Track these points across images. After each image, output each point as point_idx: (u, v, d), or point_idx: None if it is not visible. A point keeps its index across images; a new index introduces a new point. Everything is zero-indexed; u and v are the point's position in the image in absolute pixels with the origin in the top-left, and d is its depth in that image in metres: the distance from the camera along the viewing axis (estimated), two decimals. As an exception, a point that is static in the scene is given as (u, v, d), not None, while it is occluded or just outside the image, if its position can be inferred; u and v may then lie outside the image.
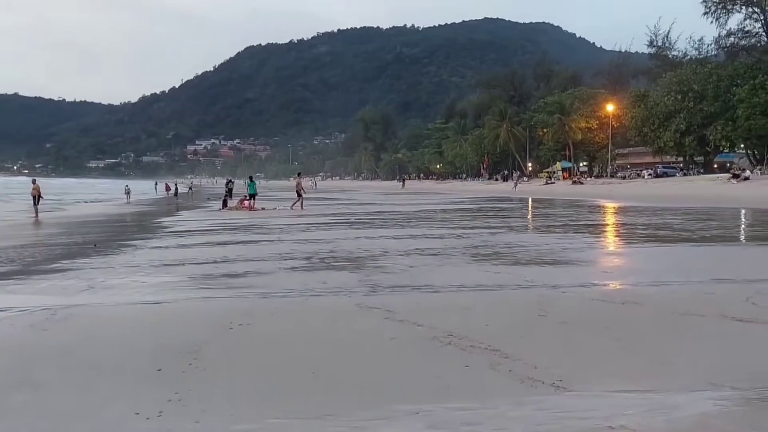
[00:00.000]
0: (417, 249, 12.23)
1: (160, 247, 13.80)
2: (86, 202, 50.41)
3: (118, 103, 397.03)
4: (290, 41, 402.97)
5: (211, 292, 7.82)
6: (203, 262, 10.90)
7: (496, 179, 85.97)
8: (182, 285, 8.52)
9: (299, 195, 30.91)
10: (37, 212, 28.86)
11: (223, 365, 4.74)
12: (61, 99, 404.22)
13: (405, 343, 5.28)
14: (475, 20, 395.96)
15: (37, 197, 29.55)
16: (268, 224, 20.33)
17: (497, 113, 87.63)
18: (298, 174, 38.77)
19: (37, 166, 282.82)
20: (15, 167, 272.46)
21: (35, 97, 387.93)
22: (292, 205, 30.51)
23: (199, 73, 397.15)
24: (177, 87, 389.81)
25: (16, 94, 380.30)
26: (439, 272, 9.31)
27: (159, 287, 8.32)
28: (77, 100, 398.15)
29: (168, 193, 59.73)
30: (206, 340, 5.40)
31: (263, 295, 7.55)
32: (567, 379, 4.31)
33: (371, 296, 7.37)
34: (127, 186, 52.83)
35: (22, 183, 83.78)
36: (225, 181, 51.33)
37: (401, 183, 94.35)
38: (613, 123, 64.33)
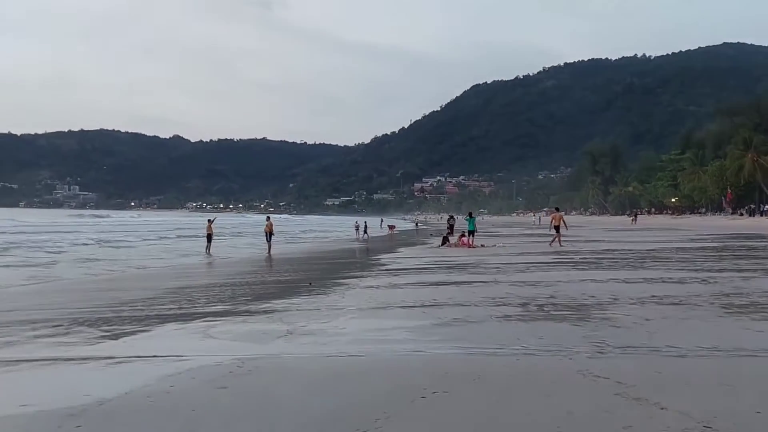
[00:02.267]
0: (653, 296, 10.43)
1: (372, 287, 13.44)
2: (316, 238, 53.51)
3: (353, 144, 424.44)
4: (516, 77, 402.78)
5: (411, 345, 6.99)
6: (411, 305, 10.21)
7: (741, 214, 77.32)
8: (381, 334, 7.87)
9: (557, 230, 28.87)
10: (269, 248, 30.74)
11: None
12: (302, 142, 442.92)
13: (644, 438, 3.94)
14: (714, 45, 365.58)
15: (269, 233, 31.46)
16: (485, 263, 19.31)
17: (741, 142, 79.64)
18: (556, 209, 35.24)
19: (281, 204, 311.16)
20: (262, 205, 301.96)
21: (280, 140, 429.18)
22: (551, 242, 28.74)
23: (427, 113, 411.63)
24: (406, 127, 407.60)
25: (264, 138, 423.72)
26: (683, 328, 7.63)
27: (356, 335, 7.80)
28: (317, 142, 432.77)
29: (391, 231, 61.33)
30: (388, 414, 4.49)
31: (468, 352, 6.54)
32: None
33: (597, 359, 6.02)
34: (357, 222, 54.43)
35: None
36: (447, 217, 51.28)
37: (632, 218, 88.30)
38: None
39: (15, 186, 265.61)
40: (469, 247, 28.79)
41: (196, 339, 7.90)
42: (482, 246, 29.03)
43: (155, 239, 47.19)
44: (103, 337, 8.36)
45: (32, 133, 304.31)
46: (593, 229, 59.60)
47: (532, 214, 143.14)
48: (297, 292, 12.71)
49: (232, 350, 7.05)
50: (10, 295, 15.19)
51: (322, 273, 18.10)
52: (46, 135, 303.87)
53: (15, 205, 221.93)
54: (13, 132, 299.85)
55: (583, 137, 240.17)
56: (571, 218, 55.94)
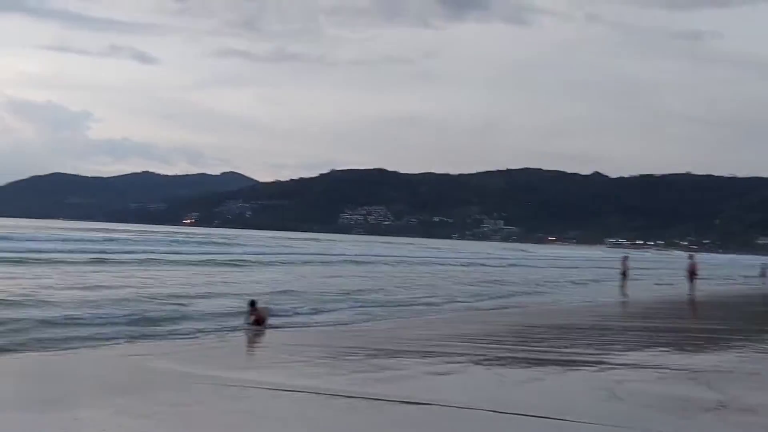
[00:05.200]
0: None
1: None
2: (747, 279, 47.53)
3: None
4: None
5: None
6: None
7: None
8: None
9: None
10: (692, 289, 28.25)
11: None
12: (731, 176, 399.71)
13: None
14: None
15: (691, 273, 28.91)
16: None
17: None
18: None
19: (704, 242, 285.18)
20: (683, 243, 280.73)
21: (705, 174, 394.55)
22: None
23: None
24: None
25: (687, 173, 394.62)
26: None
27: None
28: (747, 175, 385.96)
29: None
30: None
31: None
32: None
33: None
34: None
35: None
36: None
37: None
38: None
39: (450, 220, 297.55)
40: None
41: (598, 397, 7.51)
42: None
43: (575, 275, 47.29)
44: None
45: (465, 172, 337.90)
46: None
47: None
48: (727, 346, 11.34)
49: (641, 421, 6.19)
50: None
51: (759, 323, 15.87)
52: (476, 174, 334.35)
53: (449, 236, 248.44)
54: (450, 172, 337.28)
55: None
56: None
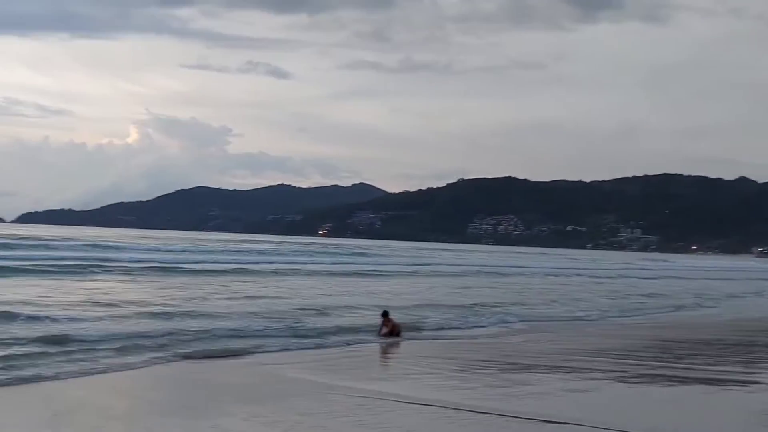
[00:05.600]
0: None
1: None
2: None
3: None
4: None
5: None
6: None
7: None
8: None
9: None
10: None
11: None
12: None
13: None
14: None
15: None
16: None
17: None
18: None
19: None
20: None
21: None
22: None
23: None
24: None
25: None
26: None
27: None
28: None
29: None
30: None
31: None
32: None
33: None
34: None
35: None
36: None
37: None
38: None
39: (584, 229, 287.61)
40: None
41: (759, 422, 6.79)
42: None
43: (730, 287, 43.71)
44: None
45: (599, 179, 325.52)
46: None
47: None
48: None
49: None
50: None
51: None
52: (611, 181, 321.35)
53: (583, 246, 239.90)
54: (583, 179, 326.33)
55: None
56: None
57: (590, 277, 48.37)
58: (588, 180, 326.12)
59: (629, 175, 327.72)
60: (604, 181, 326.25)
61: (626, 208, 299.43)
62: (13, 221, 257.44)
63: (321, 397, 8.75)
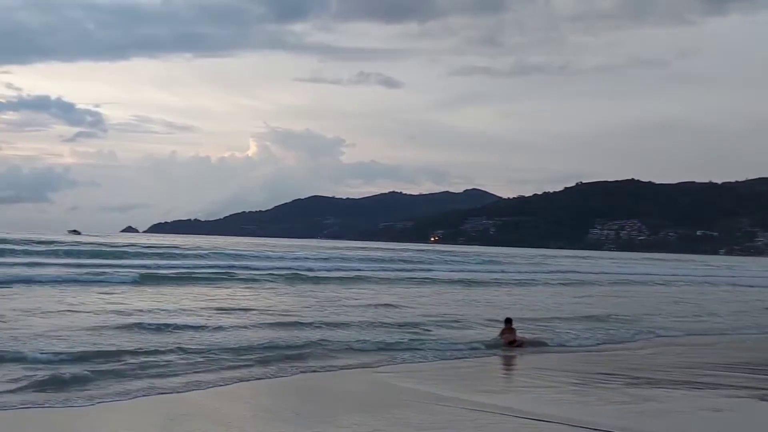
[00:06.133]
0: None
1: None
2: None
3: None
4: None
5: None
6: None
7: None
8: None
9: None
10: None
11: None
12: None
13: None
14: None
15: None
16: None
17: None
18: None
19: None
20: None
21: None
22: None
23: None
24: None
25: None
26: None
27: None
28: None
29: None
30: None
31: None
32: None
33: None
34: None
35: None
36: None
37: None
38: None
39: (715, 233, 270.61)
40: None
41: None
42: None
43: None
44: None
45: (732, 180, 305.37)
46: None
47: None
48: None
49: None
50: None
51: None
52: (745, 182, 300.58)
53: (715, 252, 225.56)
54: (714, 180, 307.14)
55: None
56: None
57: (729, 285, 44.93)
58: (719, 181, 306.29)
59: (766, 175, 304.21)
60: (737, 182, 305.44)
61: (763, 211, 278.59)
62: (145, 231, 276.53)
63: (429, 409, 8.45)
